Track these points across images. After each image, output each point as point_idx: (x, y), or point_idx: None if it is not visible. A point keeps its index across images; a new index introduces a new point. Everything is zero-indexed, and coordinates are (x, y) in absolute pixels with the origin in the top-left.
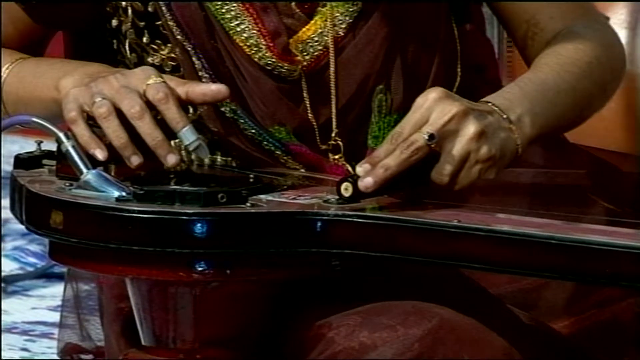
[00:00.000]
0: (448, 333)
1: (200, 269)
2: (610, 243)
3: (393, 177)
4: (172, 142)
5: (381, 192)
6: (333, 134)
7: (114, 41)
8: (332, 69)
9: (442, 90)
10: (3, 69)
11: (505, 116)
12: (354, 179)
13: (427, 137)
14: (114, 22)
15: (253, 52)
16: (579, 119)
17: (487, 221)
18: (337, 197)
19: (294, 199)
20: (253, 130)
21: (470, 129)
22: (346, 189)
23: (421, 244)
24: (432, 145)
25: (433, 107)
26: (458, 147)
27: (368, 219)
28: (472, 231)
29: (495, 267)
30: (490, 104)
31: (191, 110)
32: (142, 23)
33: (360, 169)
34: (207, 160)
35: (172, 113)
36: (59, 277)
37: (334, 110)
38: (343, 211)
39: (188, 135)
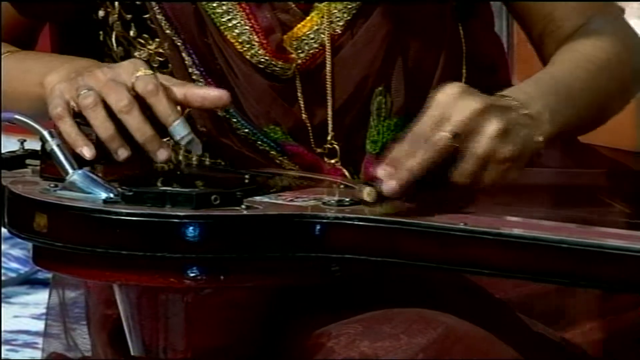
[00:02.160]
0: (454, 343)
1: (192, 274)
2: (625, 247)
3: (414, 179)
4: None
5: (405, 196)
6: (329, 137)
7: (100, 33)
8: (328, 68)
9: (461, 85)
10: None
11: (525, 112)
12: (376, 183)
13: (450, 136)
14: (101, 13)
15: (245, 49)
16: (598, 118)
17: (495, 224)
18: (336, 198)
19: (291, 200)
20: (246, 130)
21: (493, 126)
22: (369, 194)
23: (425, 248)
24: (453, 144)
25: (453, 104)
26: (481, 145)
27: (369, 221)
28: (480, 235)
29: (503, 272)
30: (509, 99)
31: (179, 107)
32: (129, 16)
33: (382, 173)
34: (195, 160)
35: (162, 106)
36: (43, 284)
37: (329, 112)
38: (343, 214)
39: (179, 130)
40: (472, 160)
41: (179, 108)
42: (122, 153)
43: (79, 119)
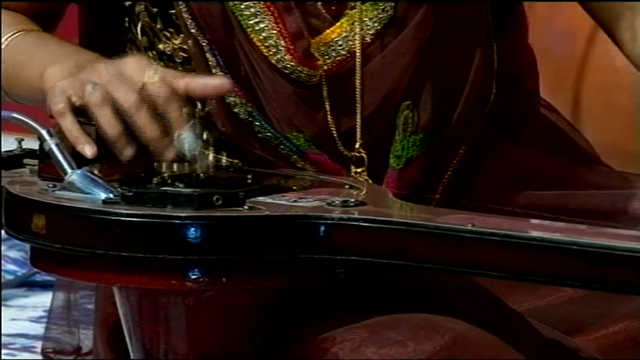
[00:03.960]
0: (463, 350)
1: (194, 277)
2: (638, 249)
3: None
4: None
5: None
6: (357, 145)
7: (126, 19)
8: (357, 75)
9: None
10: (3, 39)
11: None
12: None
13: None
14: (127, 2)
15: (271, 53)
16: None
17: (503, 225)
18: (341, 199)
19: (295, 201)
20: (269, 134)
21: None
22: None
23: (433, 250)
24: None
25: None
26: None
27: (375, 222)
28: (488, 236)
29: (512, 274)
30: None
31: (200, 106)
32: (155, 9)
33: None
34: (210, 159)
35: (175, 116)
36: (41, 286)
37: (358, 119)
38: (348, 215)
39: (190, 141)
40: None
41: (199, 106)
42: (128, 152)
43: (80, 117)
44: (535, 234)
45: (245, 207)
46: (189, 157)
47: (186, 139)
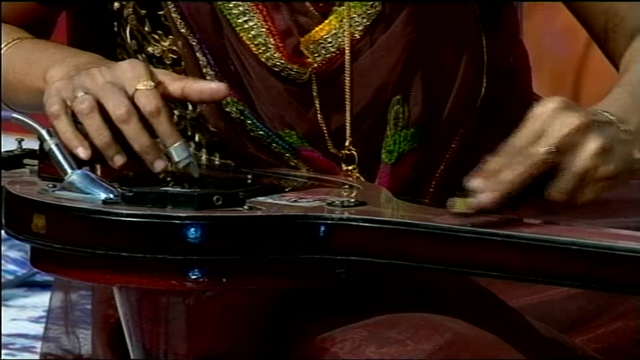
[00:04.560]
0: (462, 349)
1: (194, 277)
2: (638, 249)
3: (509, 193)
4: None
5: (496, 209)
6: (347, 143)
7: (115, 24)
8: (347, 72)
9: (562, 100)
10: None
11: (623, 127)
12: (467, 195)
13: (547, 151)
14: (116, 5)
15: (260, 51)
16: None
17: (503, 225)
18: (341, 199)
19: (295, 201)
20: (261, 132)
21: (593, 143)
22: (461, 206)
23: (433, 250)
24: (551, 160)
25: (552, 118)
26: (579, 162)
27: (375, 222)
28: (488, 236)
29: (512, 275)
30: (607, 114)
31: (190, 107)
32: (144, 11)
33: (476, 185)
34: (203, 160)
35: (163, 127)
36: (41, 286)
37: (348, 117)
38: (348, 215)
39: (179, 152)
40: (570, 177)
41: (190, 107)
42: (118, 160)
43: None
44: (535, 234)
45: (245, 207)
46: (180, 167)
47: (176, 150)
